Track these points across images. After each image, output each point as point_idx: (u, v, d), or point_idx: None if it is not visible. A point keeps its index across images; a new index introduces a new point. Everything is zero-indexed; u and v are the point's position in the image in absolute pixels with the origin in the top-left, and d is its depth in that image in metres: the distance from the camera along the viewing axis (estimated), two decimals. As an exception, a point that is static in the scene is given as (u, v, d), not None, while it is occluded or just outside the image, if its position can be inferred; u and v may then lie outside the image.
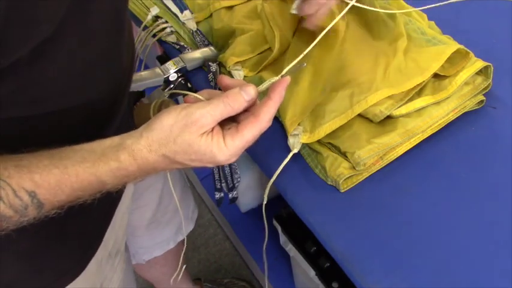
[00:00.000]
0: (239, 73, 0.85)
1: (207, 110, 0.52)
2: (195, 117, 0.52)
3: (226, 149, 0.54)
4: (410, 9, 0.84)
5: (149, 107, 0.74)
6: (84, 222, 0.69)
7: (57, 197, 0.50)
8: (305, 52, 0.60)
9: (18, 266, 0.65)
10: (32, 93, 0.52)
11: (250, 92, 0.54)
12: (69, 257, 0.70)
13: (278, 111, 0.77)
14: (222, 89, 0.58)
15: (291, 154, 0.75)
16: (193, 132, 0.52)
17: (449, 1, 0.81)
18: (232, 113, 0.54)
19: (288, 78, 0.56)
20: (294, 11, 0.72)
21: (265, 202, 0.76)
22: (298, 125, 0.75)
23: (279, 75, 0.58)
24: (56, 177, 0.50)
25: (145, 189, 0.99)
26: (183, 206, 1.14)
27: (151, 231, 1.09)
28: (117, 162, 0.52)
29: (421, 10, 0.86)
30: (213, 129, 0.53)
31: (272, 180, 0.74)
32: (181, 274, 1.30)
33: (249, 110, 0.56)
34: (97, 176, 0.51)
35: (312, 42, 0.79)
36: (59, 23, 0.47)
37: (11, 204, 0.48)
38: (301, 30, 0.82)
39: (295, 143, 0.75)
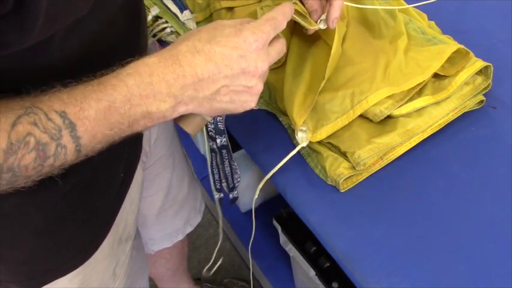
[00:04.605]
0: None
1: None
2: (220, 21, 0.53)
3: (249, 24, 0.53)
4: (412, 10, 0.84)
5: None
6: (95, 203, 0.71)
7: (85, 112, 0.47)
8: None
9: (33, 243, 0.67)
10: (57, 71, 0.51)
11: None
12: (81, 237, 0.72)
13: (285, 107, 0.77)
14: None
15: (299, 147, 0.74)
16: (217, 23, 0.53)
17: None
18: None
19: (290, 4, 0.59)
20: (322, 26, 0.70)
21: (256, 197, 0.76)
22: (303, 122, 0.75)
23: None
24: (81, 91, 0.48)
25: (155, 177, 1.02)
26: (191, 198, 1.16)
27: (161, 221, 1.11)
28: (136, 60, 0.50)
29: (420, 8, 0.86)
30: None
31: (273, 171, 0.73)
32: (183, 271, 1.32)
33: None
34: (119, 77, 0.49)
35: (312, 41, 0.79)
36: (94, 2, 0.48)
37: (45, 128, 0.46)
38: (299, 31, 0.82)
39: (303, 138, 0.75)
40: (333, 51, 0.71)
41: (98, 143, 0.50)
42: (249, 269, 1.54)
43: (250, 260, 0.94)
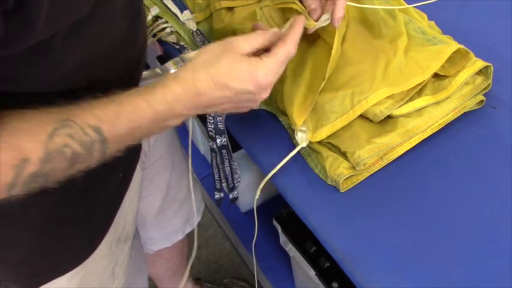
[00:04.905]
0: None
1: (245, 37, 0.59)
2: (235, 42, 0.59)
3: (264, 64, 0.58)
4: (412, 10, 0.84)
5: None
6: (94, 203, 0.72)
7: (117, 130, 0.53)
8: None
9: (32, 243, 0.68)
10: (58, 71, 0.53)
11: (275, 29, 0.63)
12: (81, 237, 0.72)
13: (285, 107, 0.77)
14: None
15: (298, 148, 0.75)
16: (235, 52, 0.58)
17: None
18: (265, 42, 0.61)
19: (303, 17, 0.65)
20: (326, 22, 0.70)
21: (257, 197, 0.76)
22: (303, 122, 0.75)
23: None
24: (113, 109, 0.53)
25: (154, 176, 1.02)
26: (190, 197, 1.16)
27: (160, 220, 1.11)
28: (163, 87, 0.56)
29: (420, 8, 0.86)
30: (248, 54, 0.59)
31: (273, 172, 0.74)
32: (185, 271, 1.32)
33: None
34: (148, 101, 0.55)
35: (312, 41, 0.79)
36: (94, 2, 0.50)
37: (81, 141, 0.51)
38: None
39: (303, 138, 0.75)
40: (333, 51, 0.71)
41: (118, 152, 0.56)
42: (249, 269, 1.55)
43: (254, 258, 0.94)
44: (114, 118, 0.53)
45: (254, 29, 0.67)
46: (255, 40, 0.60)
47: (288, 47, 0.61)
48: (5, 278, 0.70)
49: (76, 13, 0.49)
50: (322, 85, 0.72)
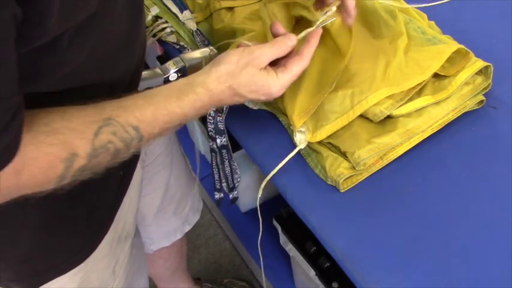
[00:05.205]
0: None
1: (264, 50, 0.65)
2: (256, 54, 0.65)
3: (279, 81, 0.66)
4: (412, 11, 0.84)
5: (200, 65, 0.78)
6: (95, 202, 0.73)
7: (153, 130, 0.60)
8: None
9: (33, 242, 0.69)
10: (62, 71, 0.55)
11: (293, 39, 0.68)
12: (81, 236, 0.73)
13: (285, 107, 0.77)
14: (273, 33, 0.71)
15: (297, 149, 0.75)
16: (255, 66, 0.64)
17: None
18: (281, 55, 0.67)
19: (320, 29, 0.70)
20: (333, 18, 0.72)
21: (259, 195, 0.76)
22: (303, 123, 0.75)
23: (314, 27, 0.70)
24: (151, 113, 0.59)
25: (154, 175, 1.03)
26: (189, 196, 1.17)
27: (159, 220, 1.12)
28: (194, 95, 0.62)
29: (420, 8, 0.86)
30: (266, 67, 0.66)
31: (272, 173, 0.74)
32: (182, 271, 1.32)
33: (288, 55, 0.68)
34: (182, 108, 0.62)
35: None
36: (99, 1, 0.51)
37: (122, 138, 0.57)
38: (300, 30, 0.82)
39: (301, 139, 0.75)
40: (347, 58, 0.71)
41: (149, 145, 0.63)
42: (249, 269, 1.55)
43: (261, 256, 0.94)
44: (151, 120, 0.59)
45: (273, 30, 0.71)
46: (273, 54, 0.66)
47: (304, 63, 0.67)
48: (6, 277, 0.70)
49: (86, 10, 0.50)
50: (327, 93, 0.72)
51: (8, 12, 0.42)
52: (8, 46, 0.44)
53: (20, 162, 0.49)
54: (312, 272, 0.98)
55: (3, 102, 0.45)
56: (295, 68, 0.66)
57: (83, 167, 0.54)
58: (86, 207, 0.72)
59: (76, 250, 0.73)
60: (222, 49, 0.91)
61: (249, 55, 0.64)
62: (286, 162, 0.74)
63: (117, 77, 0.64)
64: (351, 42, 0.73)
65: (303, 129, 0.75)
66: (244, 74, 0.64)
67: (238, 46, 0.70)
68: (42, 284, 0.72)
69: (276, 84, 0.66)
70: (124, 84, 0.67)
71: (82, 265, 0.74)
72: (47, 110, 0.53)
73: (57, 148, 0.52)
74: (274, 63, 0.67)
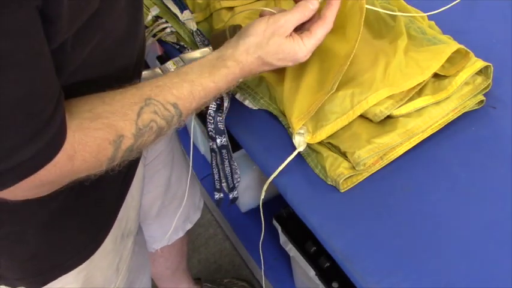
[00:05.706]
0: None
1: (288, 17, 0.67)
2: (281, 23, 0.67)
3: (305, 46, 0.68)
4: (413, 11, 0.84)
5: (224, 34, 0.79)
6: (98, 199, 0.73)
7: (190, 105, 0.63)
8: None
9: (38, 240, 0.69)
10: (65, 71, 0.56)
11: (314, 2, 0.69)
12: (86, 233, 0.74)
13: (284, 108, 0.77)
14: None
15: (295, 152, 0.75)
16: (281, 35, 0.67)
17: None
18: (304, 19, 0.68)
19: None
20: None
21: (262, 197, 0.76)
22: (303, 124, 0.75)
23: None
24: (187, 89, 0.63)
25: (155, 173, 1.03)
26: (190, 194, 1.17)
27: (161, 218, 1.12)
28: (226, 69, 0.66)
29: (422, 11, 0.86)
30: (291, 33, 0.68)
31: (272, 176, 0.74)
32: (182, 270, 1.32)
33: (311, 19, 0.69)
34: (215, 82, 0.65)
35: None
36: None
37: (164, 116, 0.60)
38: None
39: (300, 142, 0.75)
40: (349, 59, 0.71)
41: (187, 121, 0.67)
42: (249, 269, 1.55)
43: (262, 257, 0.94)
44: (188, 96, 0.62)
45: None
46: (297, 20, 0.68)
47: (328, 25, 0.68)
48: (12, 276, 0.71)
49: (90, 9, 0.51)
50: (328, 96, 0.72)
51: (33, 3, 0.43)
52: (40, 37, 0.45)
53: (71, 149, 0.52)
54: (312, 272, 0.98)
55: (45, 94, 0.48)
56: (319, 32, 0.68)
57: (130, 147, 0.57)
58: (91, 204, 0.72)
59: (81, 248, 0.73)
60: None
61: (274, 24, 0.67)
62: (285, 164, 0.74)
63: (116, 75, 0.64)
64: (358, 37, 0.72)
65: (301, 131, 0.75)
66: (272, 43, 0.67)
67: (261, 14, 0.73)
68: (47, 283, 0.72)
69: (302, 50, 0.68)
70: (125, 79, 0.67)
71: (86, 263, 0.74)
72: (87, 97, 0.56)
73: (104, 132, 0.54)
74: (298, 28, 0.69)
